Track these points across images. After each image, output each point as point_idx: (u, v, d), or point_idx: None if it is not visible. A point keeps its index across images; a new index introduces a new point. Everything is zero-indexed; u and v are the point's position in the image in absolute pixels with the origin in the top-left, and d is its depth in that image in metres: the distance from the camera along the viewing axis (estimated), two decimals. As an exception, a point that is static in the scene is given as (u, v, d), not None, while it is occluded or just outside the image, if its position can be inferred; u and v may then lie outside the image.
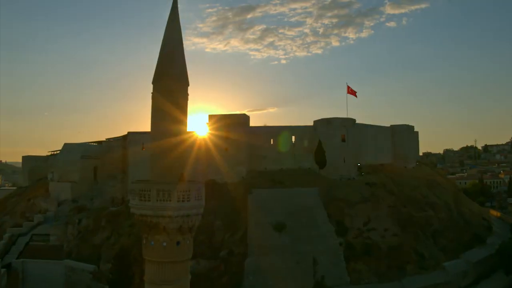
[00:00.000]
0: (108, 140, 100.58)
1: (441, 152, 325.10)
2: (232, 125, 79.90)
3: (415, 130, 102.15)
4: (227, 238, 67.78)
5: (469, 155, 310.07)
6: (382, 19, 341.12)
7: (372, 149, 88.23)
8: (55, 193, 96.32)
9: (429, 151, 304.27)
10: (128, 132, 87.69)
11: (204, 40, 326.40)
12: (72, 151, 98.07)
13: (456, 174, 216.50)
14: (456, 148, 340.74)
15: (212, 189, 74.75)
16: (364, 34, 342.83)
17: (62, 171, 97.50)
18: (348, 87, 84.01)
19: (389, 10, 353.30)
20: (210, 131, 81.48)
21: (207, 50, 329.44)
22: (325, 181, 77.14)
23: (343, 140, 79.35)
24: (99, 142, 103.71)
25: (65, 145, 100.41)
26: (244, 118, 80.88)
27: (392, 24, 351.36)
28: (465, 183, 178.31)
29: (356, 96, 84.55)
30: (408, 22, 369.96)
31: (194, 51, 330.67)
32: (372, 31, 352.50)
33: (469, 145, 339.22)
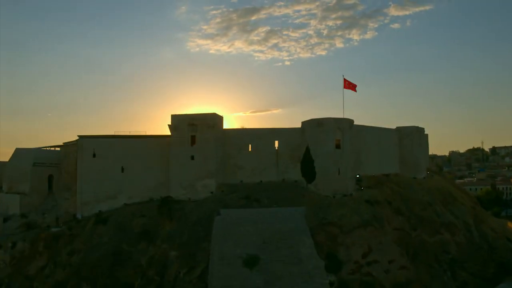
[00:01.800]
0: (66, 144, 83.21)
1: (447, 154, 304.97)
2: (200, 127, 62.39)
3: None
4: (182, 275, 50.31)
5: (477, 157, 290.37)
6: (386, 21, 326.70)
7: (375, 157, 70.20)
8: (3, 207, 79.13)
9: (434, 153, 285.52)
10: (78, 136, 70.32)
11: (209, 41, 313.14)
12: (23, 158, 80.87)
13: (465, 179, 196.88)
14: (462, 150, 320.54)
15: (168, 210, 57.34)
16: (368, 35, 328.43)
17: (11, 180, 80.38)
18: (345, 80, 66.02)
19: (393, 12, 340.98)
20: (173, 135, 63.99)
21: (211, 51, 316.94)
22: (314, 199, 59.33)
23: (338, 146, 61.33)
24: (57, 147, 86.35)
25: (16, 150, 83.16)
26: (214, 119, 63.19)
27: (396, 25, 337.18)
28: (476, 189, 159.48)
29: (355, 90, 66.48)
30: (412, 24, 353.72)
31: (198, 52, 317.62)
32: (376, 33, 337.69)
33: (475, 146, 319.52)
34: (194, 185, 62.45)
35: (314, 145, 61.34)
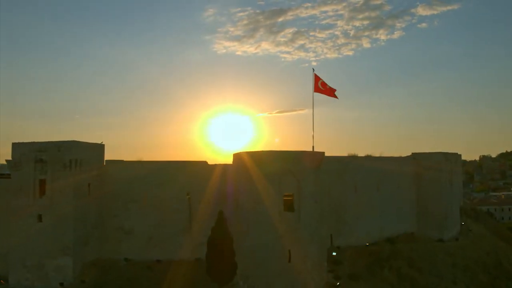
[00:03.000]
0: None
1: (477, 159, 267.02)
2: (52, 165, 34.47)
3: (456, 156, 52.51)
4: None
5: (511, 163, 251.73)
6: (413, 21, 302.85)
7: (373, 209, 39.93)
8: None
9: (463, 158, 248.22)
10: None
11: (235, 43, 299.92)
12: None
13: (501, 193, 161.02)
14: (494, 155, 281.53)
15: None
16: (395, 35, 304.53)
17: None
18: (317, 78, 36.19)
19: (420, 11, 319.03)
20: (12, 177, 36.08)
21: (238, 53, 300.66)
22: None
23: (290, 207, 31.02)
24: None
25: None
26: (74, 150, 34.49)
27: (424, 25, 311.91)
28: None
29: (335, 95, 36.70)
30: (440, 23, 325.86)
31: (225, 54, 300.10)
32: (404, 33, 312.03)
33: (508, 150, 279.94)
34: (43, 266, 34.26)
35: (244, 204, 31.51)
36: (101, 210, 36.35)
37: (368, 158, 40.95)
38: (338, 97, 36.79)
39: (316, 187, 31.30)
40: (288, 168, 30.09)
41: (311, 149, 34.37)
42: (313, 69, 36.60)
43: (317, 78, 36.69)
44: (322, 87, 36.59)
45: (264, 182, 30.03)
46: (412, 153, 46.67)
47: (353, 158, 39.04)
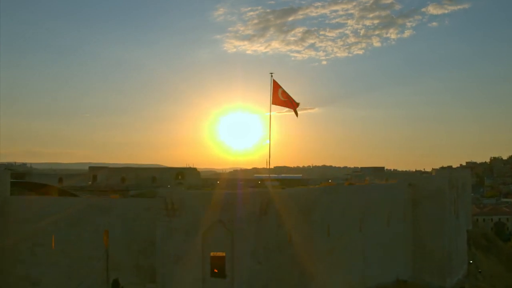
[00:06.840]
0: None
1: (488, 160, 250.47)
2: None
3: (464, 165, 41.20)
4: None
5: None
6: (424, 20, 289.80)
7: (354, 254, 29.07)
8: None
9: (473, 160, 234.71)
10: None
11: (245, 42, 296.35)
12: None
13: None
14: (505, 156, 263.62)
15: None
16: (405, 34, 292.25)
17: None
18: (276, 85, 25.92)
19: (431, 10, 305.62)
20: None
21: (248, 52, 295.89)
22: None
23: (216, 274, 20.77)
24: None
25: None
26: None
27: (434, 24, 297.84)
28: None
29: (296, 112, 26.35)
30: (451, 22, 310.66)
31: (235, 53, 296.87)
32: (414, 32, 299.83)
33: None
34: None
35: (155, 266, 21.52)
36: (2, 255, 27.03)
37: (348, 188, 30.43)
38: (297, 114, 26.55)
39: (260, 241, 21.05)
40: (217, 217, 19.97)
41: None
42: (271, 74, 26.27)
43: (276, 86, 26.37)
44: (282, 98, 26.28)
45: (182, 236, 20.00)
46: (407, 176, 35.70)
47: (325, 191, 28.40)
